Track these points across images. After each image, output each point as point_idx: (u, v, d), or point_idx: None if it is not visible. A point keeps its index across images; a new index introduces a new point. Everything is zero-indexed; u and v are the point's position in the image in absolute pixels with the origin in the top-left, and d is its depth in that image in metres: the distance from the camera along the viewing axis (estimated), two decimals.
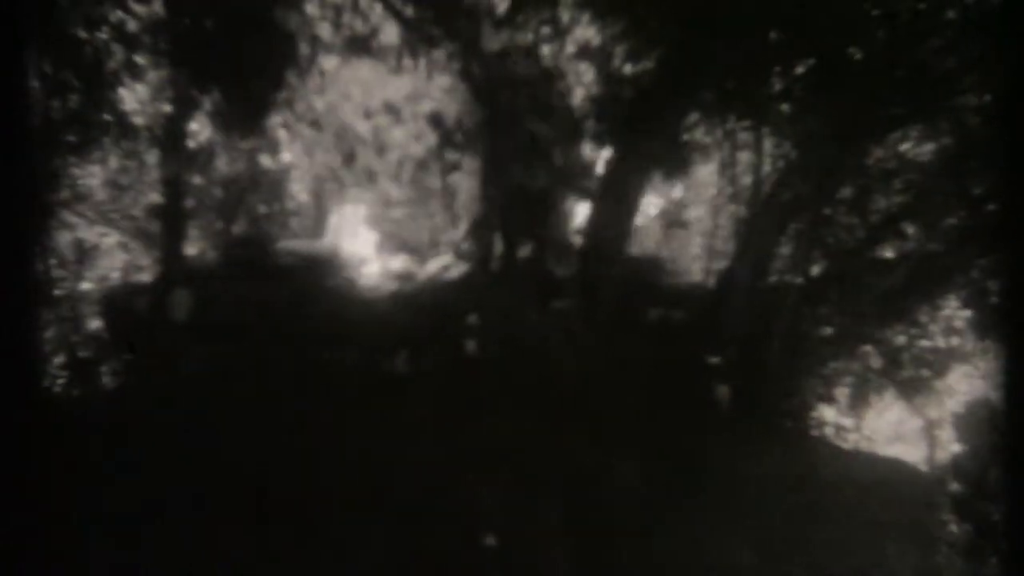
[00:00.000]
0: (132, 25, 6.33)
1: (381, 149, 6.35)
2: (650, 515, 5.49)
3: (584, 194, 6.14)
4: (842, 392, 5.93)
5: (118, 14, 6.33)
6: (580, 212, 6.19)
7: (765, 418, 5.75)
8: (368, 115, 6.37)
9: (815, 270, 5.80)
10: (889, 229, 5.68)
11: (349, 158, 6.38)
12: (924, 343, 5.85)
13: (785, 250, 5.85)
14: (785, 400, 5.78)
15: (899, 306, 5.69)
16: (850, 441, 5.84)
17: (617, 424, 5.77)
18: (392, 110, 6.31)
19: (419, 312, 6.17)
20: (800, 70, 5.69)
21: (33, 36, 5.99)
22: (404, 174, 6.37)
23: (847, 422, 5.89)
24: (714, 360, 5.81)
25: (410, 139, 6.28)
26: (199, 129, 6.46)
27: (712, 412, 5.78)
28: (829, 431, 5.83)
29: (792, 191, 5.71)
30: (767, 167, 5.80)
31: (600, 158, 6.09)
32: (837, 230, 5.79)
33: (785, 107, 5.75)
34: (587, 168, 6.07)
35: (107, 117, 6.40)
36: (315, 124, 6.25)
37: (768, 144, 5.81)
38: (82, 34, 6.27)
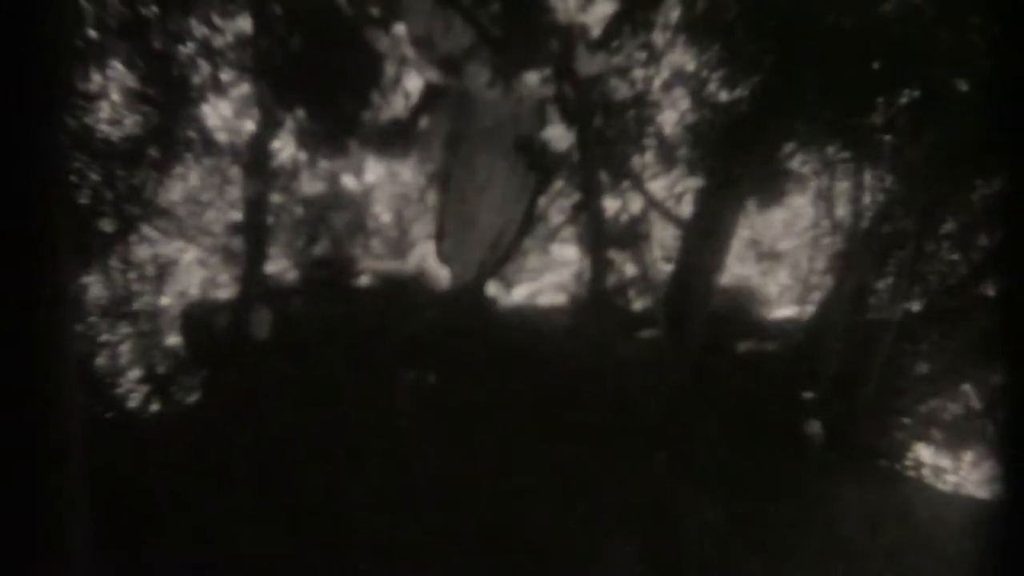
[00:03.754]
0: (218, 41, 6.30)
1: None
2: (736, 553, 5.39)
3: (676, 223, 6.04)
4: (940, 432, 5.78)
5: (204, 29, 6.30)
6: (671, 241, 6.11)
7: (859, 457, 5.62)
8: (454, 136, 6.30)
9: (915, 306, 5.65)
10: (993, 267, 5.51)
11: (433, 179, 6.32)
12: None
13: (883, 284, 5.70)
14: (880, 439, 5.64)
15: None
16: (948, 483, 5.69)
17: (704, 459, 5.68)
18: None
19: (503, 337, 6.10)
20: (904, 101, 5.55)
21: (118, 52, 6.00)
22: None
23: (945, 463, 5.74)
24: (807, 396, 5.69)
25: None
26: (282, 147, 6.42)
27: (804, 449, 5.66)
28: (926, 472, 5.69)
29: (893, 224, 5.57)
30: (867, 199, 5.66)
31: (693, 186, 5.98)
32: (939, 266, 5.64)
33: (888, 138, 5.59)
34: (679, 196, 5.97)
35: (190, 133, 6.37)
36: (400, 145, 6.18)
37: (868, 175, 5.66)
38: (167, 49, 6.23)
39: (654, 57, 5.84)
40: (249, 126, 6.38)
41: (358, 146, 6.25)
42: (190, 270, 6.82)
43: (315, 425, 5.64)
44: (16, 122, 3.07)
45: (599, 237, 5.85)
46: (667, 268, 6.14)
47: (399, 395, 6.04)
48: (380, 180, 6.55)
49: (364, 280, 6.45)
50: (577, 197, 5.96)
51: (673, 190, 6.05)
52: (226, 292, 6.68)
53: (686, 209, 6.05)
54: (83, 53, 5.66)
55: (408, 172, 6.45)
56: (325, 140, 6.24)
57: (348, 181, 6.50)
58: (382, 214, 6.71)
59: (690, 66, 5.89)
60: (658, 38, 5.84)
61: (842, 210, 5.76)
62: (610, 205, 5.90)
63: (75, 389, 3.16)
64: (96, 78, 5.95)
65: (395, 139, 6.28)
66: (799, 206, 6.27)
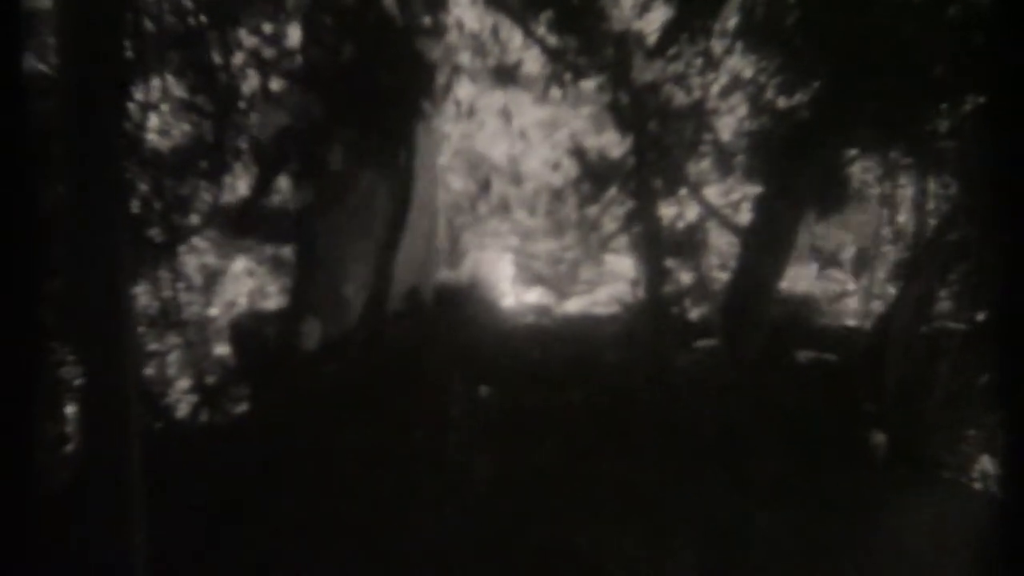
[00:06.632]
0: (268, 51, 6.27)
1: (517, 179, 6.22)
2: (797, 568, 5.29)
3: (734, 230, 5.95)
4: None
5: (254, 39, 6.27)
6: (728, 248, 6.03)
7: (924, 469, 5.51)
8: (505, 143, 6.23)
9: (979, 316, 5.53)
10: None
11: (484, 187, 6.25)
12: None
13: (947, 293, 5.60)
14: (945, 451, 5.53)
15: None
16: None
17: (764, 471, 5.58)
18: (529, 138, 6.17)
19: (556, 348, 6.04)
20: (968, 107, 5.45)
21: (169, 62, 5.98)
22: (540, 205, 6.24)
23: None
24: (869, 407, 5.59)
25: (547, 169, 6.15)
26: (332, 156, 6.38)
27: (866, 461, 5.56)
28: (992, 484, 5.56)
29: (958, 233, 5.46)
30: (930, 206, 5.56)
31: (751, 193, 5.90)
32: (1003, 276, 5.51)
33: (951, 145, 5.49)
34: (737, 204, 5.88)
35: (239, 143, 6.34)
36: (452, 153, 6.12)
37: (932, 182, 5.57)
38: (217, 59, 6.20)
39: (712, 64, 5.76)
40: (299, 135, 6.34)
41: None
42: (238, 280, 6.79)
43: (365, 436, 5.60)
44: (70, 133, 3.02)
45: (655, 245, 5.76)
46: (724, 277, 6.05)
47: (452, 406, 5.99)
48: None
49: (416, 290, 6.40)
50: (632, 205, 5.88)
51: (730, 197, 5.97)
52: (274, 302, 6.66)
53: (744, 217, 5.96)
54: (136, 64, 5.65)
55: (456, 180, 6.38)
56: (375, 149, 6.20)
57: None
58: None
59: (748, 72, 5.80)
60: (716, 45, 5.75)
61: (905, 217, 5.66)
62: (666, 213, 5.82)
63: (134, 397, 3.12)
64: (148, 88, 5.93)
65: None
66: (859, 214, 6.17)
